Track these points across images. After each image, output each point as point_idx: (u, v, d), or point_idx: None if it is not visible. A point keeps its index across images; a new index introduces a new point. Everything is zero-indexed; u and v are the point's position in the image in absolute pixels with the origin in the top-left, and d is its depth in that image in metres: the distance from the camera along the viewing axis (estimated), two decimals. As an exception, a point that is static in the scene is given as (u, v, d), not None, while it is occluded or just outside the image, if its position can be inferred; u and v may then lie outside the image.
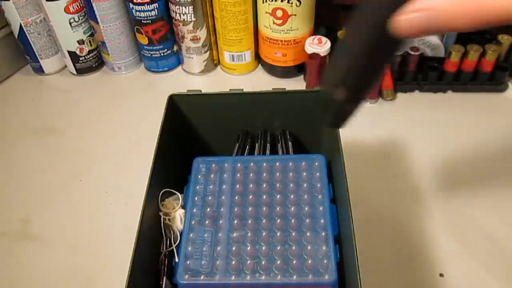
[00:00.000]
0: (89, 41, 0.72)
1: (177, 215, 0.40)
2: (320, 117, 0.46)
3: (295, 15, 0.62)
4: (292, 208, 0.39)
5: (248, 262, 0.36)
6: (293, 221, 0.38)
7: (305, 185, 0.40)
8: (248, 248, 0.36)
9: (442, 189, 0.53)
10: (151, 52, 0.71)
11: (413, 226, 0.49)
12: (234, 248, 0.36)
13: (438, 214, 0.50)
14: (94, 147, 0.62)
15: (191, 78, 0.73)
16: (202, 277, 0.35)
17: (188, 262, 0.36)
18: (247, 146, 0.47)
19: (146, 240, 0.36)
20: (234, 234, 0.37)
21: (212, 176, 0.42)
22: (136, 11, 0.65)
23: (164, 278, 0.36)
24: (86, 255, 0.49)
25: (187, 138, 0.49)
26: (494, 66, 0.63)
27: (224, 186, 0.41)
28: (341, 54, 0.22)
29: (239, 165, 0.43)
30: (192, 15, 0.65)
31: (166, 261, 0.38)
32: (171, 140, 0.44)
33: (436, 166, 0.55)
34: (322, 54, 0.62)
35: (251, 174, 0.42)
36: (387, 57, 0.21)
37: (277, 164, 0.43)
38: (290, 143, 0.47)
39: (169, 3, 0.65)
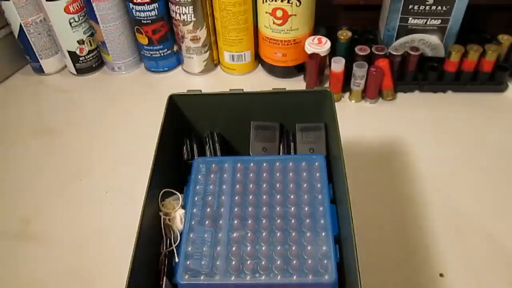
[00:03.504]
0: (89, 41, 0.72)
1: (177, 215, 0.40)
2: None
3: (295, 15, 0.62)
4: (292, 208, 0.39)
5: (248, 262, 0.35)
6: (293, 221, 0.38)
7: (305, 185, 0.40)
8: (248, 248, 0.36)
9: (442, 189, 0.53)
10: (151, 52, 0.71)
11: (413, 226, 0.49)
12: (234, 248, 0.36)
13: (438, 214, 0.50)
14: (94, 147, 0.62)
15: (191, 78, 0.73)
16: (202, 277, 0.35)
17: (188, 262, 0.36)
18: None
19: (146, 240, 0.36)
20: (234, 234, 0.37)
21: (212, 176, 0.42)
22: (136, 11, 0.65)
23: (164, 278, 0.36)
24: (86, 255, 0.49)
25: (187, 138, 0.49)
26: (494, 66, 0.63)
27: (224, 186, 0.41)
28: None
29: (239, 165, 0.43)
30: (192, 15, 0.65)
31: (166, 261, 0.38)
32: (171, 140, 0.44)
33: (436, 166, 0.55)
34: (322, 54, 0.62)
35: (251, 174, 0.42)
36: None
37: (277, 164, 0.42)
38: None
39: (169, 3, 0.65)
